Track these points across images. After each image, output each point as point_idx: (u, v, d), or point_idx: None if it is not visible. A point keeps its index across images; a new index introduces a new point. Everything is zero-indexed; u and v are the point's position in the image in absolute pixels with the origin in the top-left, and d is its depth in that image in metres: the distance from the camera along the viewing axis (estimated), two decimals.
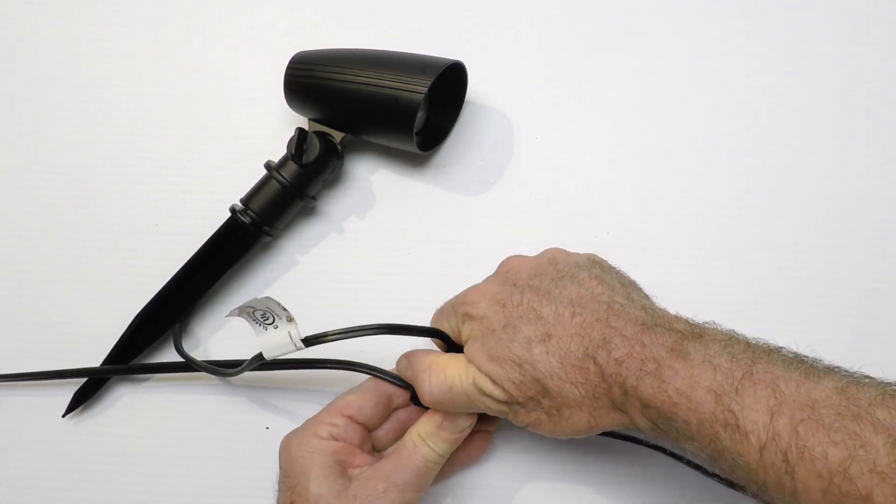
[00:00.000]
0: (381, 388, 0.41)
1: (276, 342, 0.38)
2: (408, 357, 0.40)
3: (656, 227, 0.50)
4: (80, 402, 0.47)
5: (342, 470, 0.38)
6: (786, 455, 0.28)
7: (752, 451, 0.29)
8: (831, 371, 0.30)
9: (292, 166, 0.47)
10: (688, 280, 0.48)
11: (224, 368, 0.43)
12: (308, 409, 0.41)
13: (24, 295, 0.50)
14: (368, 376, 0.41)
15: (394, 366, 0.42)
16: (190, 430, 0.47)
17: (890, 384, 0.29)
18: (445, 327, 0.41)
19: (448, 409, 0.39)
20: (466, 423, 0.39)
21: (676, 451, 0.38)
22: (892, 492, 0.25)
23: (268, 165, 0.48)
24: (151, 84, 0.55)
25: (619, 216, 0.50)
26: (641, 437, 0.42)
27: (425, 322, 0.43)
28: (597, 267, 0.39)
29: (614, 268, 0.40)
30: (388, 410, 0.41)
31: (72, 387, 0.47)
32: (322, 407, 0.41)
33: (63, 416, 0.47)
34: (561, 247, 0.42)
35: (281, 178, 0.47)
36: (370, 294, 0.49)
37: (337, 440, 0.38)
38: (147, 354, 0.48)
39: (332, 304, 0.49)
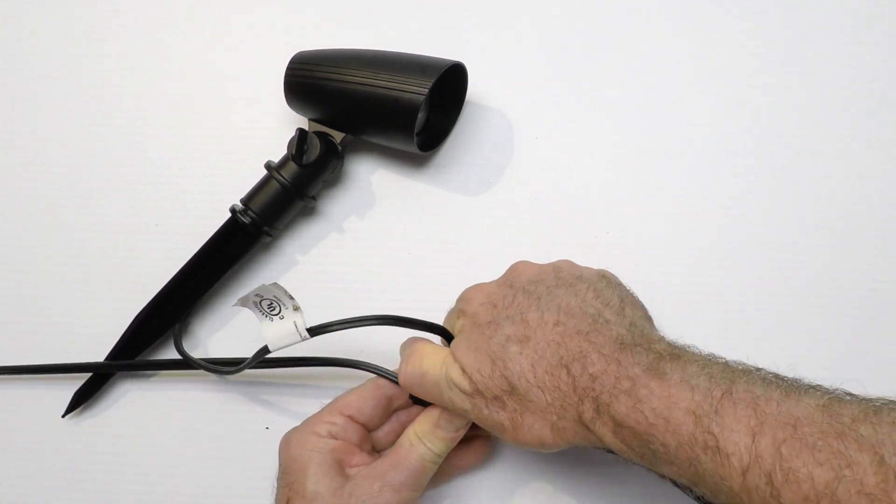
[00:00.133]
0: (382, 389, 0.41)
1: (281, 332, 0.38)
2: (405, 342, 0.41)
3: (656, 227, 0.50)
4: (80, 401, 0.47)
5: (340, 468, 0.38)
6: (770, 477, 0.27)
7: (734, 474, 0.28)
8: (812, 389, 0.29)
9: (292, 166, 0.47)
10: (688, 280, 0.48)
11: (225, 367, 0.43)
12: (308, 408, 0.41)
13: (24, 295, 0.50)
14: (369, 377, 0.41)
15: (394, 365, 0.42)
16: (190, 430, 0.47)
17: (872, 400, 0.28)
18: (448, 324, 0.41)
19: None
20: (463, 422, 0.39)
21: (650, 467, 0.36)
22: None
23: (268, 165, 0.48)
24: (151, 84, 0.55)
25: (619, 216, 0.50)
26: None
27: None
28: (602, 281, 0.38)
29: (623, 286, 0.39)
30: (389, 411, 0.41)
31: (72, 387, 0.47)
32: (322, 406, 0.41)
33: (63, 416, 0.47)
34: (561, 247, 0.42)
35: (281, 178, 0.47)
36: (370, 294, 0.49)
37: (336, 439, 0.38)
38: (147, 355, 0.48)
39: (333, 305, 0.49)
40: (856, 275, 0.48)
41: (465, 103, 0.52)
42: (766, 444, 0.27)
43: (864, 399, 0.28)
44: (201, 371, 0.45)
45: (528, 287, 0.38)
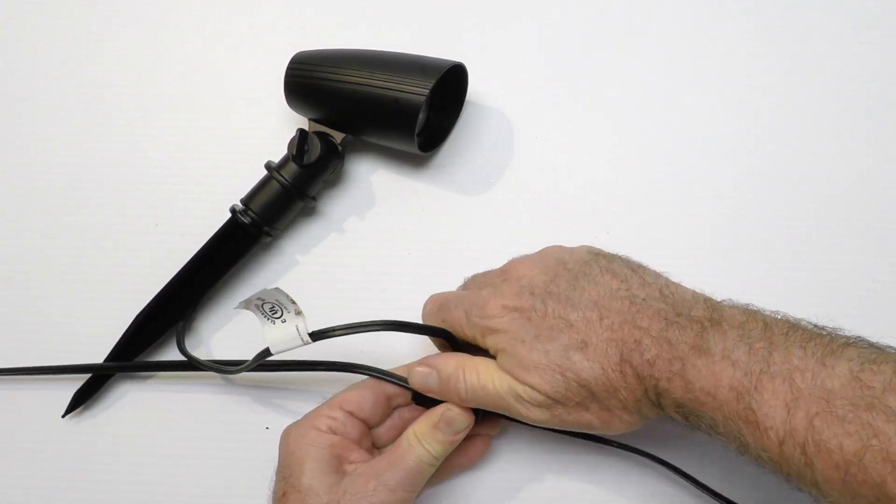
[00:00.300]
0: (381, 386, 0.41)
1: (283, 336, 0.38)
2: (427, 364, 0.40)
3: (656, 227, 0.50)
4: (80, 401, 0.47)
5: (337, 464, 0.38)
6: (804, 448, 0.29)
7: (772, 445, 0.30)
8: (849, 347, 0.31)
9: (293, 167, 0.47)
10: (688, 280, 0.48)
11: (227, 366, 0.43)
12: (309, 408, 0.41)
13: (24, 295, 0.50)
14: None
15: (393, 365, 0.42)
16: (190, 430, 0.47)
17: None
18: (448, 324, 0.41)
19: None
20: (463, 426, 0.39)
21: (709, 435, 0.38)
22: None
23: (268, 166, 0.48)
24: (151, 84, 0.55)
25: (619, 216, 0.50)
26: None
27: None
28: (602, 259, 0.39)
29: (615, 255, 0.40)
30: (389, 409, 0.41)
31: (72, 386, 0.47)
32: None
33: (63, 416, 0.47)
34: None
35: (281, 178, 0.47)
36: (370, 294, 0.49)
37: (335, 434, 0.39)
38: (147, 355, 0.48)
39: (333, 305, 0.49)
40: (855, 275, 0.48)
41: (465, 103, 0.52)
42: (800, 418, 0.29)
43: None
44: (202, 371, 0.45)
45: (549, 289, 0.37)
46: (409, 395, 0.41)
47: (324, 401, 0.41)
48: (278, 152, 0.48)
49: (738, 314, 0.34)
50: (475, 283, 0.43)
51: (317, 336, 0.38)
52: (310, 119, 0.49)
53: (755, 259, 0.49)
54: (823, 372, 0.30)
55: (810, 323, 0.34)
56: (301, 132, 0.47)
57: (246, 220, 0.47)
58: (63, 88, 0.55)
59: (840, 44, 0.53)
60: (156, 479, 0.46)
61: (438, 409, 0.39)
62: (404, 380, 0.40)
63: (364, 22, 0.56)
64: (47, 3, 0.57)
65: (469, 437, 0.41)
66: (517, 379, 0.36)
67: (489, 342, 0.38)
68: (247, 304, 0.38)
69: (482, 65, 0.52)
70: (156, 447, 0.47)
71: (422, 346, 0.45)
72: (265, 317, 0.38)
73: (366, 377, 0.41)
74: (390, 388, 0.41)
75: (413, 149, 0.47)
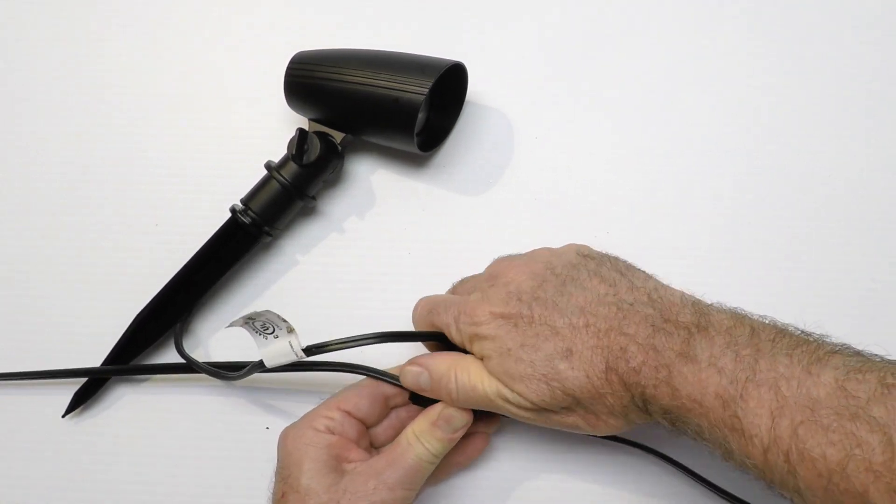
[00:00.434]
0: (379, 386, 0.41)
1: (277, 351, 0.38)
2: (419, 364, 0.40)
3: (656, 227, 0.50)
4: (80, 402, 0.47)
5: (336, 464, 0.38)
6: (787, 456, 0.29)
7: (756, 453, 0.30)
8: (835, 355, 0.31)
9: (293, 166, 0.47)
10: (688, 280, 0.48)
11: (225, 371, 0.43)
12: (307, 409, 0.41)
13: (24, 295, 0.50)
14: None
15: (391, 365, 0.42)
16: (190, 431, 0.47)
17: (891, 368, 0.30)
18: (437, 328, 0.41)
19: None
20: (461, 424, 0.39)
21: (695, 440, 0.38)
22: (886, 489, 0.27)
23: (268, 166, 0.48)
24: (151, 84, 0.55)
25: (619, 216, 0.50)
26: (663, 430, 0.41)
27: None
28: (590, 262, 0.39)
29: (604, 255, 0.40)
30: (386, 408, 0.41)
31: (72, 387, 0.47)
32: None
33: (63, 416, 0.47)
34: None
35: (281, 178, 0.47)
36: (370, 294, 0.49)
37: (333, 434, 0.39)
38: (147, 355, 0.48)
39: (333, 304, 0.49)
40: (855, 275, 0.48)
41: (465, 103, 0.52)
42: (785, 426, 0.29)
43: (884, 368, 0.29)
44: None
45: (536, 294, 0.37)
46: (406, 394, 0.41)
47: (322, 401, 0.41)
48: (278, 152, 0.48)
49: (726, 319, 0.34)
50: (464, 287, 0.43)
51: (311, 351, 0.38)
52: (310, 119, 0.49)
53: (755, 259, 0.49)
54: (809, 380, 0.30)
55: (797, 329, 0.33)
56: (301, 132, 0.47)
57: (246, 219, 0.47)
58: (63, 88, 0.55)
59: (840, 44, 0.53)
60: (156, 479, 0.46)
61: (437, 407, 0.39)
62: (399, 379, 0.41)
63: (364, 22, 0.56)
64: (47, 3, 0.57)
65: (467, 435, 0.41)
66: (506, 386, 0.37)
67: (476, 348, 0.38)
68: (238, 323, 0.38)
69: (482, 65, 0.52)
70: (156, 447, 0.47)
71: (421, 346, 0.45)
72: (258, 333, 0.38)
73: (363, 377, 0.41)
74: (387, 388, 0.41)
75: (413, 148, 0.47)
